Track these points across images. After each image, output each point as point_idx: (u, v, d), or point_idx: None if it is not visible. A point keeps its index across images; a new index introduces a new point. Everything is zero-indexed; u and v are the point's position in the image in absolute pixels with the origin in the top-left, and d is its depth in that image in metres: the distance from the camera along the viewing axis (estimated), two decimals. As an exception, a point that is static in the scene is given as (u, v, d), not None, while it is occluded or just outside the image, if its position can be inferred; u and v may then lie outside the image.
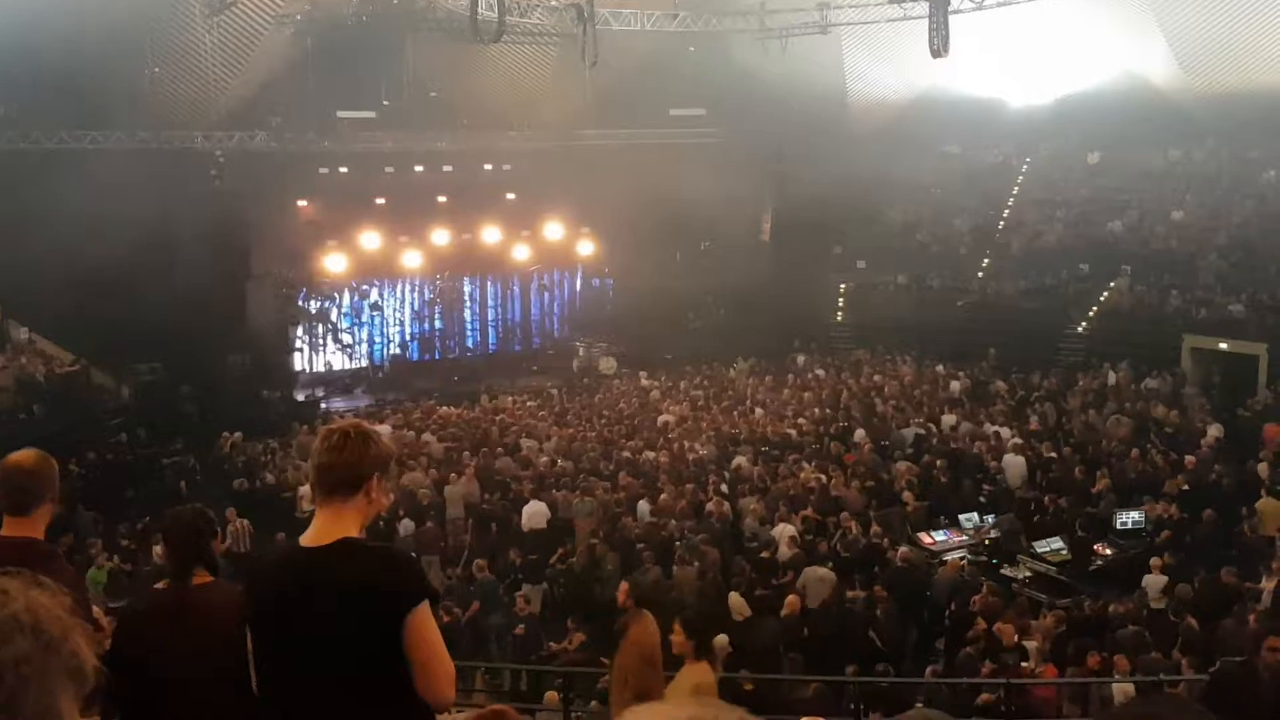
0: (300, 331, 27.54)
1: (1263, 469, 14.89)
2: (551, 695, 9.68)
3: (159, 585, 3.74)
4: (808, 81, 27.09)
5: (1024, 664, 9.78)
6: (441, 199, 27.43)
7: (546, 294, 31.30)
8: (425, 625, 2.73)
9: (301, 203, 25.88)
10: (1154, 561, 12.02)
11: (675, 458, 17.61)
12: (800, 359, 26.25)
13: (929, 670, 10.10)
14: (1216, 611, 10.59)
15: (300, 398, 25.56)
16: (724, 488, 15.64)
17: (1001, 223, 29.91)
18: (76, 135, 22.19)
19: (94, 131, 22.28)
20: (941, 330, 25.33)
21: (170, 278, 20.36)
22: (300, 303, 27.22)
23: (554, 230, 28.11)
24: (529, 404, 23.59)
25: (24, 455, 3.57)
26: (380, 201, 26.54)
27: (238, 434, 19.84)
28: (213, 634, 3.42)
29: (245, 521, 14.54)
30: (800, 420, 19.95)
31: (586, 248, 28.85)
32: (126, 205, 18.92)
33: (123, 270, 19.49)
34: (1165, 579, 11.68)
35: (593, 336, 29.66)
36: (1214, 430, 17.07)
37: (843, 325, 28.57)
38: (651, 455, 17.89)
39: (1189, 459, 15.63)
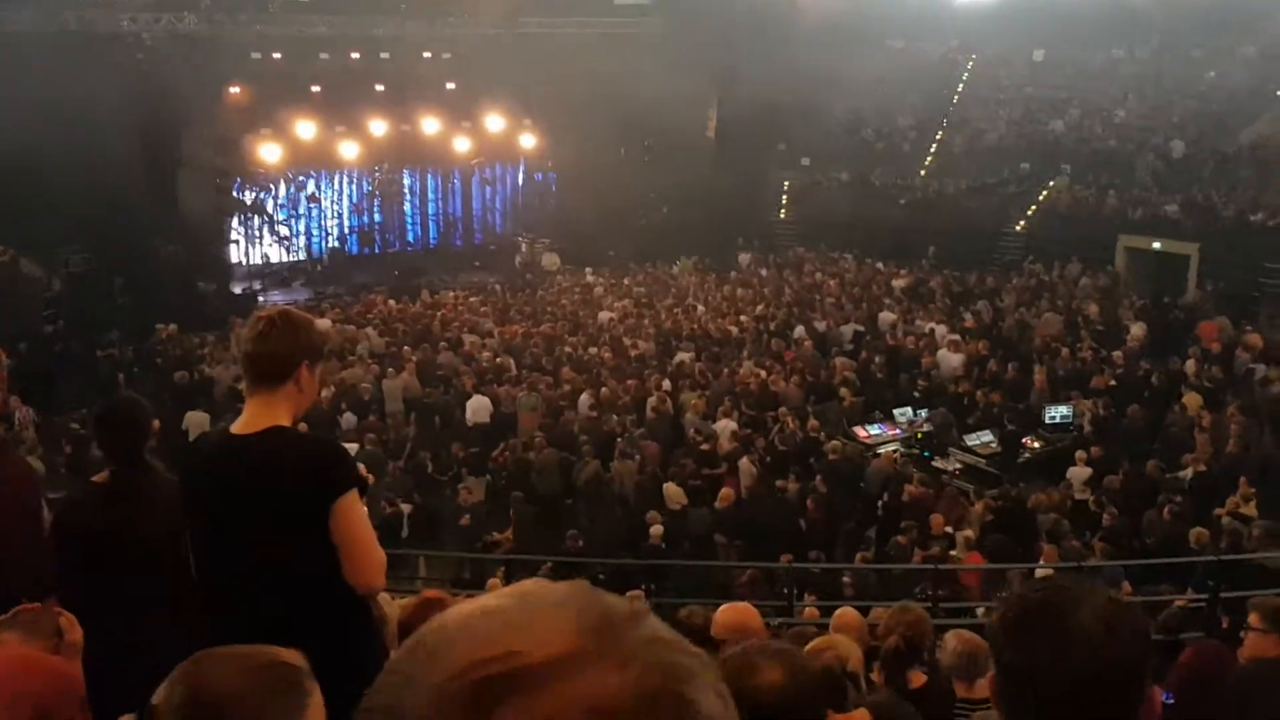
0: (236, 223, 26.91)
1: (1190, 365, 15.37)
2: (493, 582, 9.89)
3: (96, 477, 3.74)
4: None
5: (951, 551, 10.17)
6: (379, 88, 26.67)
7: (488, 188, 30.82)
8: (352, 512, 2.74)
9: (233, 89, 25.00)
10: (1079, 454, 12.44)
11: (618, 354, 17.71)
12: (743, 257, 26.29)
13: (859, 556, 10.46)
14: (1141, 502, 11.04)
15: (237, 290, 25.14)
16: (666, 384, 15.80)
17: (945, 120, 29.91)
18: (-8, 15, 21.11)
19: (8, 14, 21.19)
20: (883, 228, 25.46)
21: (98, 165, 19.68)
22: (235, 193, 26.53)
23: (495, 122, 27.53)
24: (470, 300, 23.45)
25: None
26: (315, 89, 25.73)
27: (173, 326, 19.53)
28: (150, 522, 3.45)
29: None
30: (742, 317, 20.09)
31: (529, 141, 28.34)
32: (49, 90, 18.17)
33: (48, 158, 18.78)
34: (1089, 471, 12.12)
35: (535, 232, 29.37)
36: (1137, 329, 17.54)
37: (786, 222, 28.58)
38: (594, 351, 17.97)
39: (1116, 355, 16.08)
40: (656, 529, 10.88)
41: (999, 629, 1.60)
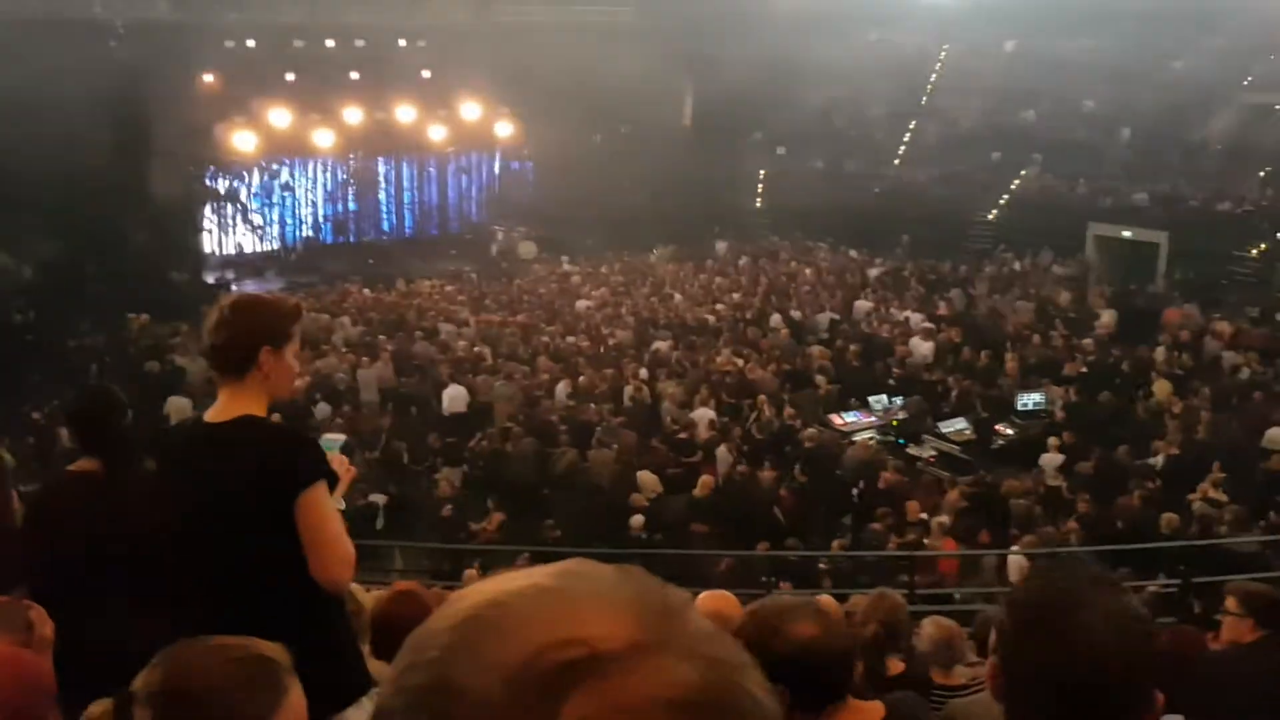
0: (209, 211, 26.67)
1: (1159, 352, 15.54)
2: (470, 573, 9.87)
3: (76, 466, 3.70)
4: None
5: (925, 540, 10.25)
6: (354, 75, 26.48)
7: (464, 176, 30.66)
8: (318, 506, 2.70)
9: (206, 76, 24.76)
10: (1051, 441, 12.55)
11: (594, 342, 17.71)
12: (720, 245, 26.35)
13: (835, 544, 10.53)
14: (1112, 488, 11.16)
15: (210, 280, 24.93)
16: (643, 372, 15.81)
17: (918, 109, 30.07)
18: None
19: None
20: (857, 216, 25.60)
21: (69, 154, 19.47)
22: (208, 182, 26.28)
23: (471, 110, 27.39)
24: (447, 289, 23.36)
25: None
26: (290, 77, 25.52)
27: (145, 316, 19.37)
28: (143, 516, 3.41)
29: None
30: (718, 306, 20.14)
31: (505, 129, 28.21)
32: (20, 77, 17.95)
33: (18, 146, 18.57)
34: (1062, 457, 12.24)
35: (512, 221, 29.26)
36: (1107, 316, 17.71)
37: (761, 211, 28.65)
38: (571, 340, 17.96)
39: (1086, 342, 16.25)
40: (637, 518, 10.87)
41: (1007, 624, 1.59)
